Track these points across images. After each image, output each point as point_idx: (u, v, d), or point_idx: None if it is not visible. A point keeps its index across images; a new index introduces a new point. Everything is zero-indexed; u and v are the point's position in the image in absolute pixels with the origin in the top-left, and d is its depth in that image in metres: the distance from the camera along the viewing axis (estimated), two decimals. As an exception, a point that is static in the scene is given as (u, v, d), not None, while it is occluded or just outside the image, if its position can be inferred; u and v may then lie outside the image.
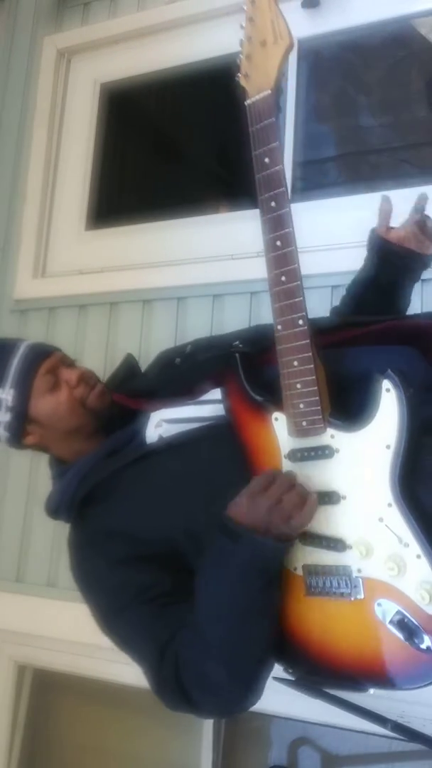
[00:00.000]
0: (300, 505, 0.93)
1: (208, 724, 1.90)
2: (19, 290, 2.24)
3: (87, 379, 1.17)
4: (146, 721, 2.05)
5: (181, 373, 1.18)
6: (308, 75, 2.12)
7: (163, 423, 1.12)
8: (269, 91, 0.99)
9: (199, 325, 1.94)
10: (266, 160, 1.01)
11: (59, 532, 1.99)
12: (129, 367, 1.29)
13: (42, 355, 1.16)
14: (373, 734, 1.61)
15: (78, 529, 1.14)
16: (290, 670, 1.02)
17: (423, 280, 1.72)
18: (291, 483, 0.95)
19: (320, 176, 2.42)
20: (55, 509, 1.15)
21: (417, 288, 1.73)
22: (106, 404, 1.17)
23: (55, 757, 2.16)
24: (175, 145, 2.81)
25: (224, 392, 1.07)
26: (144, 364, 1.29)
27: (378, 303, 1.30)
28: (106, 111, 2.35)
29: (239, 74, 1.01)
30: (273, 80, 0.99)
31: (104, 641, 1.85)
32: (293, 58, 2.04)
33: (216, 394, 1.11)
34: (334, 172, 2.52)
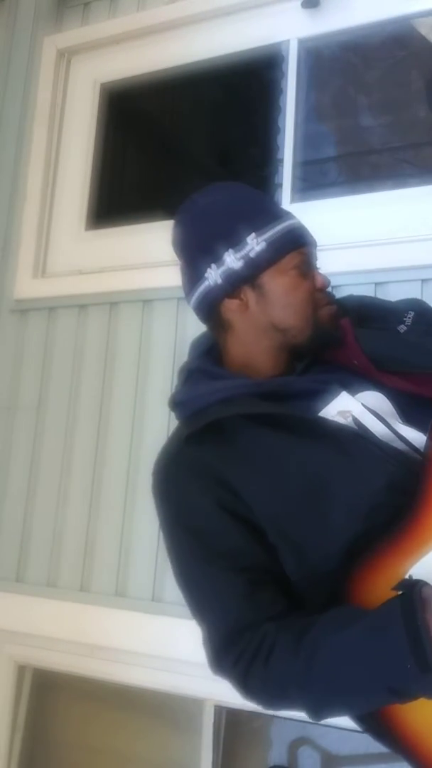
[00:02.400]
0: None
1: (208, 725, 1.89)
2: (19, 290, 2.24)
3: (329, 293, 1.05)
4: (146, 721, 2.05)
5: (410, 350, 1.02)
6: (308, 75, 2.11)
7: (350, 416, 0.96)
8: None
9: (199, 325, 1.94)
10: None
11: (59, 530, 2.03)
12: (362, 304, 1.12)
13: (309, 239, 1.04)
14: None
15: (189, 447, 0.98)
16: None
17: (423, 281, 1.73)
18: None
19: (320, 176, 2.41)
20: (177, 405, 1.03)
21: (417, 288, 1.74)
22: (329, 329, 1.03)
23: (55, 758, 2.15)
24: (176, 145, 2.80)
25: None
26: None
27: None
28: (106, 111, 2.34)
29: None
30: None
31: (102, 642, 1.87)
32: (293, 58, 2.04)
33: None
34: (334, 172, 2.51)
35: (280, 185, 2.00)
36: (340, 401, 0.98)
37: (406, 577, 0.85)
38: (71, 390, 2.09)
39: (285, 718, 1.83)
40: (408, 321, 1.07)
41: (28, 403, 2.15)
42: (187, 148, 2.80)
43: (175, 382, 1.13)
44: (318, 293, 1.03)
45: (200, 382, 1.04)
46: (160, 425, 1.88)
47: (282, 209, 1.07)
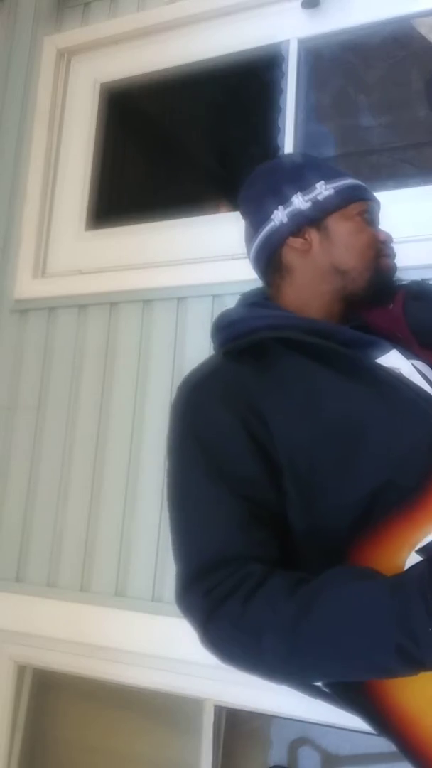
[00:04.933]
0: None
1: (208, 724, 1.89)
2: (19, 290, 2.23)
3: (390, 246, 1.07)
4: (146, 721, 2.04)
5: None
6: (308, 75, 2.11)
7: (399, 372, 0.94)
8: None
9: (200, 325, 1.94)
10: None
11: (59, 530, 2.03)
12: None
13: (372, 196, 1.09)
14: (374, 734, 1.60)
15: (227, 363, 0.96)
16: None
17: (424, 281, 1.72)
18: None
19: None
20: (223, 328, 1.01)
21: None
22: (387, 279, 1.05)
23: (55, 758, 2.15)
24: (176, 144, 2.80)
25: None
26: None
27: None
28: (106, 111, 2.34)
29: None
30: None
31: (103, 642, 1.87)
32: (293, 58, 2.04)
33: None
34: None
35: None
36: (391, 357, 0.98)
37: (413, 552, 0.79)
38: (71, 390, 2.09)
39: (285, 718, 1.82)
40: None
41: (28, 403, 2.15)
42: (187, 148, 2.82)
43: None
44: (380, 243, 1.06)
45: (251, 310, 1.05)
46: (160, 425, 1.86)
47: (350, 174, 1.10)
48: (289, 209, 1.05)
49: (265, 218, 1.06)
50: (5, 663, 2.10)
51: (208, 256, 2.01)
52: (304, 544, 0.89)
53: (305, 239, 1.05)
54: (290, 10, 2.06)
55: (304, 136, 2.06)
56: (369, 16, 1.96)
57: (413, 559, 0.80)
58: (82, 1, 2.38)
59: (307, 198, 1.05)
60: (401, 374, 0.94)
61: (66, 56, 2.38)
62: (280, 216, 1.05)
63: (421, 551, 0.79)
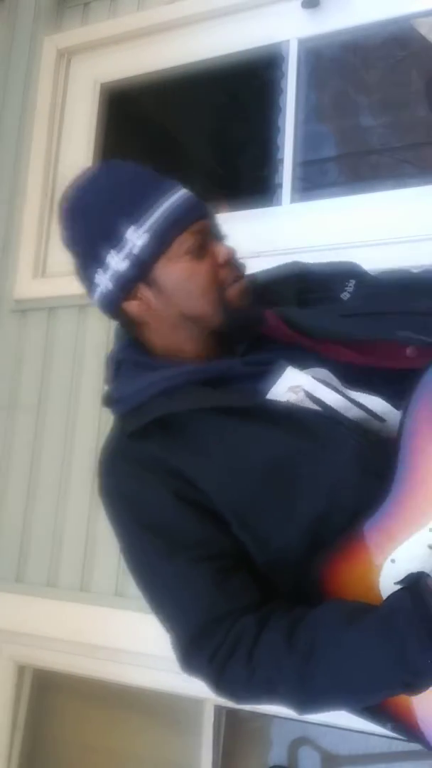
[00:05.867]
0: None
1: (208, 724, 1.89)
2: (19, 290, 2.23)
3: (236, 264, 0.94)
4: (146, 721, 2.04)
5: (360, 320, 0.93)
6: (308, 75, 2.11)
7: (302, 392, 0.89)
8: None
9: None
10: None
11: (59, 530, 2.02)
12: (296, 279, 1.02)
13: (198, 212, 0.93)
14: (374, 734, 1.57)
15: (134, 443, 0.91)
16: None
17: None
18: None
19: (320, 176, 2.41)
20: (116, 402, 0.95)
21: None
22: (243, 307, 0.93)
23: (55, 758, 2.14)
24: (175, 145, 2.80)
25: (411, 403, 0.80)
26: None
27: None
28: (106, 111, 2.33)
29: None
30: None
31: (104, 641, 1.86)
32: (293, 58, 2.03)
33: (376, 403, 0.88)
34: (334, 172, 2.51)
35: (280, 185, 1.99)
36: (289, 377, 0.91)
37: (388, 560, 0.81)
38: (71, 390, 2.09)
39: (285, 718, 1.82)
40: (350, 288, 1.00)
41: (28, 403, 2.15)
42: (187, 149, 2.81)
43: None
44: (222, 270, 0.93)
45: (136, 374, 0.95)
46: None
47: (163, 184, 0.95)
48: (109, 273, 0.93)
49: (91, 283, 0.96)
50: (5, 663, 2.10)
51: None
52: (273, 573, 0.89)
53: (140, 299, 0.94)
54: (290, 10, 2.05)
55: (304, 136, 2.06)
56: (369, 16, 1.96)
57: (388, 567, 0.81)
58: (82, 1, 2.37)
59: (122, 256, 0.92)
60: (305, 394, 0.89)
61: (66, 56, 2.38)
62: (104, 282, 0.94)
63: (400, 582, 0.80)
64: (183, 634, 0.86)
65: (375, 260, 1.74)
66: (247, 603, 0.85)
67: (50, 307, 2.18)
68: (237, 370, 0.92)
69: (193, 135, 2.77)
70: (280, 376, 0.90)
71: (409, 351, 0.92)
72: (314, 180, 2.30)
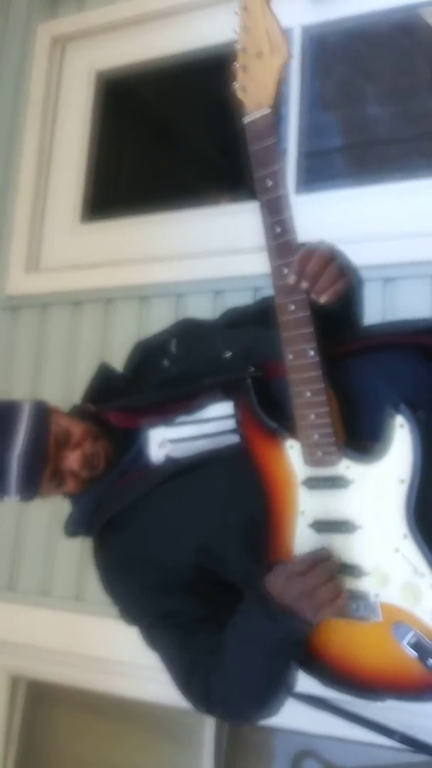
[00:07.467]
0: (330, 600, 0.96)
1: (209, 738, 1.88)
2: (11, 286, 2.21)
3: (89, 460, 1.15)
4: (145, 734, 2.03)
5: (174, 382, 1.16)
6: (313, 63, 2.08)
7: (167, 443, 1.14)
8: (269, 110, 0.97)
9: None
10: (269, 183, 0.99)
11: (52, 539, 1.96)
12: (105, 377, 1.28)
13: (41, 462, 1.13)
14: (379, 746, 1.59)
15: (103, 552, 1.19)
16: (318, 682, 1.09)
17: (386, 279, 1.70)
18: (331, 575, 0.98)
19: (326, 167, 2.40)
20: (73, 533, 1.22)
21: (428, 284, 1.70)
22: (107, 459, 1.16)
23: (49, 771, 2.13)
24: (174, 134, 2.79)
25: (237, 418, 1.08)
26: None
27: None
28: (101, 99, 2.32)
29: (235, 84, 0.99)
30: (272, 97, 0.98)
31: (99, 652, 1.83)
32: (297, 45, 2.01)
33: (218, 409, 1.13)
34: (341, 163, 2.50)
35: (284, 176, 1.97)
36: (152, 437, 1.15)
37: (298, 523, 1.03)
38: (65, 390, 2.04)
39: (289, 731, 1.81)
40: (172, 348, 1.19)
41: (20, 403, 2.13)
42: (187, 138, 2.80)
43: None
44: (82, 471, 1.15)
45: (73, 508, 1.22)
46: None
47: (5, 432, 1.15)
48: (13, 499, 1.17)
49: None
50: (-2, 674, 2.08)
51: (208, 251, 1.99)
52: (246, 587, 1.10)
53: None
54: (296, -4, 2.02)
55: (309, 125, 2.03)
56: (374, 3, 1.94)
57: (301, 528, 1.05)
58: (78, -12, 2.36)
59: (13, 498, 1.16)
60: (170, 444, 1.14)
61: (61, 43, 2.36)
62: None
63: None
64: (177, 677, 1.11)
65: (383, 255, 1.74)
66: (212, 646, 1.07)
67: (43, 304, 2.17)
68: (126, 461, 1.17)
69: (192, 124, 2.78)
70: (148, 439, 1.15)
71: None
72: (320, 171, 2.29)
